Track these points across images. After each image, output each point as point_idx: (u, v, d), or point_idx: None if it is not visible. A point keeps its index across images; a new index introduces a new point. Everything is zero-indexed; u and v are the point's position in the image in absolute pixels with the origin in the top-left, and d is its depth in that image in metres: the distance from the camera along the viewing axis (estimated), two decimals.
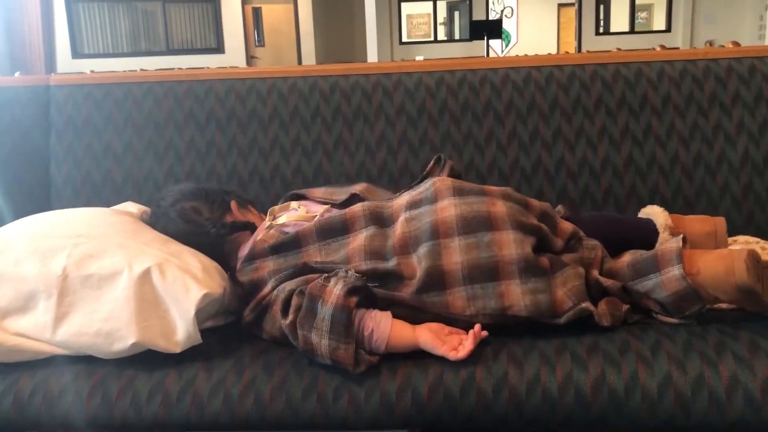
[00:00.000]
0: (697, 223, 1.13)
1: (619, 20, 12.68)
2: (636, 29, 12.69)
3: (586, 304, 0.97)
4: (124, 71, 1.55)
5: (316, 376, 0.93)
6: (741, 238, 1.26)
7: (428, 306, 0.98)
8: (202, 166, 1.40)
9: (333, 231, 1.08)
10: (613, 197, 1.33)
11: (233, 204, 1.21)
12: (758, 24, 10.85)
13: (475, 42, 10.50)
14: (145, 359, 0.96)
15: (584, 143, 1.34)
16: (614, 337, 0.95)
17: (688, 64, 1.36)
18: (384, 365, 0.93)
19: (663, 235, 1.11)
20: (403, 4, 12.66)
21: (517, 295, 0.96)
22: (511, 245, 0.98)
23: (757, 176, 1.31)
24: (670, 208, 1.30)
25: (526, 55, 2.19)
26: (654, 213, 1.17)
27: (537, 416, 0.89)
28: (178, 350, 0.96)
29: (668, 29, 12.29)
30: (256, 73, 1.44)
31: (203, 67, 1.51)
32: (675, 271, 0.96)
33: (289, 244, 1.08)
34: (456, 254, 0.98)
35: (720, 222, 1.13)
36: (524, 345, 0.95)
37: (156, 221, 1.17)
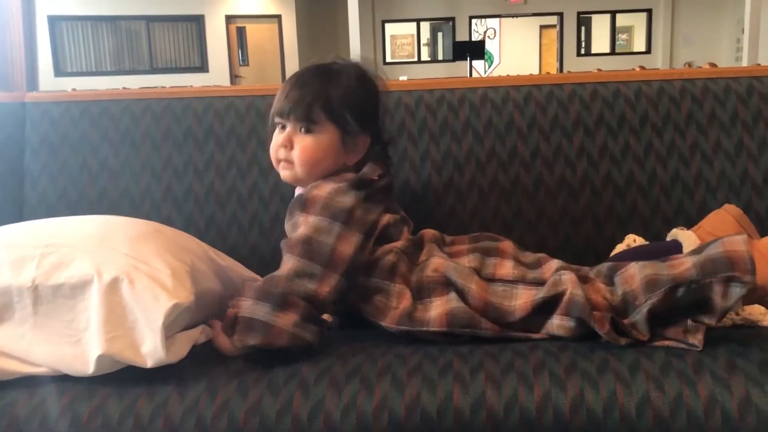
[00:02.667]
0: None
1: (600, 42, 12.89)
2: (617, 50, 12.90)
3: None
4: (103, 89, 1.54)
5: (291, 397, 0.91)
6: None
7: None
8: (180, 185, 1.38)
9: None
10: (591, 215, 1.33)
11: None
12: (735, 46, 11.06)
13: (459, 63, 10.61)
14: (117, 380, 0.94)
15: (562, 162, 1.35)
16: (593, 356, 0.94)
17: (665, 84, 1.37)
18: (361, 384, 0.91)
19: None
20: (387, 25, 12.76)
21: None
22: None
23: (733, 195, 1.32)
24: (648, 228, 1.31)
25: (507, 75, 2.21)
26: (683, 235, 1.16)
27: None
28: (148, 364, 0.93)
29: (648, 51, 12.49)
30: (235, 91, 1.44)
31: (186, 86, 1.51)
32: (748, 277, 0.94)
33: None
34: None
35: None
36: (502, 364, 0.94)
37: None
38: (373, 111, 1.19)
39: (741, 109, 1.34)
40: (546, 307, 1.01)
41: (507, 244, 1.14)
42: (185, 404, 0.92)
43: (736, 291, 0.94)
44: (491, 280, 1.06)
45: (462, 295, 1.03)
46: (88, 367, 0.93)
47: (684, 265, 0.98)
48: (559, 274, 1.03)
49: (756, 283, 0.95)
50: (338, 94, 1.13)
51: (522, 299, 1.03)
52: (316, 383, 0.93)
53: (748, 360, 0.93)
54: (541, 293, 1.02)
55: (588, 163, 1.34)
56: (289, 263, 1.04)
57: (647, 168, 1.33)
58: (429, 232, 1.17)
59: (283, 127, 1.16)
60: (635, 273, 1.01)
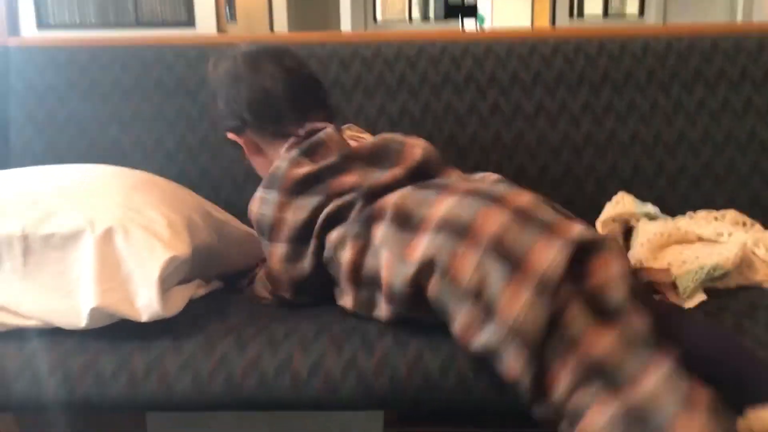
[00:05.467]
0: (661, 275, 1.01)
1: (593, 4, 12.72)
2: (609, 13, 12.75)
3: None
4: (91, 36, 1.47)
5: (291, 354, 0.89)
6: (729, 213, 1.24)
7: None
8: (171, 136, 1.34)
9: None
10: (594, 173, 1.31)
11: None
12: (729, 8, 10.95)
13: (450, 23, 10.43)
14: (110, 334, 0.91)
15: (567, 118, 1.31)
16: None
17: (650, 40, 1.33)
18: (361, 343, 0.89)
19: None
20: None
21: None
22: None
23: (740, 154, 1.29)
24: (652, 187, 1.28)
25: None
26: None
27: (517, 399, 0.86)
28: (143, 318, 0.90)
29: (641, 13, 12.36)
30: (225, 39, 1.38)
31: (177, 34, 1.45)
32: None
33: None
34: None
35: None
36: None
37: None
38: (258, 100, 1.06)
39: (728, 67, 1.31)
40: None
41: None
42: (181, 360, 0.89)
43: None
44: None
45: None
46: (81, 320, 0.90)
47: None
48: None
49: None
50: (222, 106, 1.08)
51: None
52: (316, 339, 0.91)
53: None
54: None
55: (592, 120, 1.31)
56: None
57: (629, 126, 1.30)
58: (388, 202, 0.93)
59: None
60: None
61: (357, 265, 0.91)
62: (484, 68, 1.33)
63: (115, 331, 0.91)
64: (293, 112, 1.05)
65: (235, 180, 1.31)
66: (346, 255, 0.91)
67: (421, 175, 0.96)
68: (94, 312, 0.89)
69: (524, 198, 0.88)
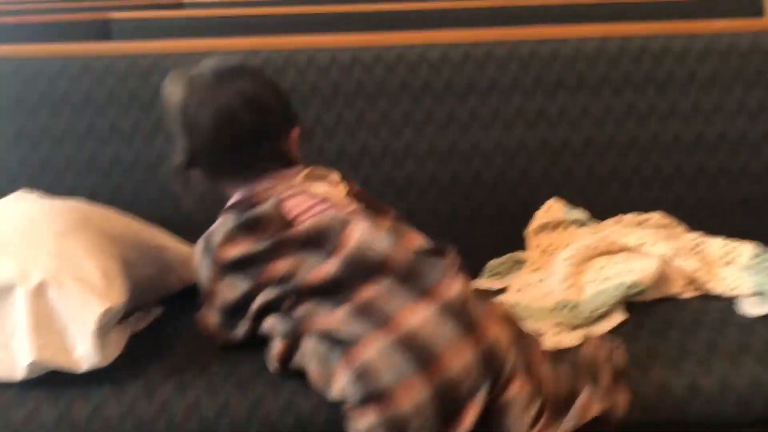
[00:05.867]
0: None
1: None
2: None
3: None
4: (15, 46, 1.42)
5: (229, 397, 0.92)
6: (655, 216, 1.30)
7: None
8: (105, 153, 1.31)
9: None
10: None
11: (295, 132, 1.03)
12: None
13: None
14: (49, 383, 0.93)
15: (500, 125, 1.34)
16: None
17: (581, 44, 1.35)
18: (299, 385, 0.92)
19: None
20: None
21: None
22: None
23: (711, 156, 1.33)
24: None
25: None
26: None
27: None
28: (82, 369, 0.92)
29: None
30: (156, 49, 1.35)
31: (103, 43, 1.40)
32: None
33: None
34: None
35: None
36: None
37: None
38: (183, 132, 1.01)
39: (677, 69, 1.34)
40: None
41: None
42: (122, 407, 0.92)
43: None
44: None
45: None
46: (18, 373, 0.92)
47: None
48: None
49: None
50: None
51: None
52: (254, 380, 0.94)
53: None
54: None
55: (525, 126, 1.33)
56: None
57: (582, 131, 1.34)
58: (317, 322, 0.90)
59: None
60: None
61: (285, 358, 0.92)
62: (419, 75, 1.33)
63: (55, 380, 0.92)
64: (249, 152, 0.99)
65: (171, 196, 1.30)
66: (276, 346, 0.93)
67: (356, 265, 0.91)
68: (32, 366, 0.91)
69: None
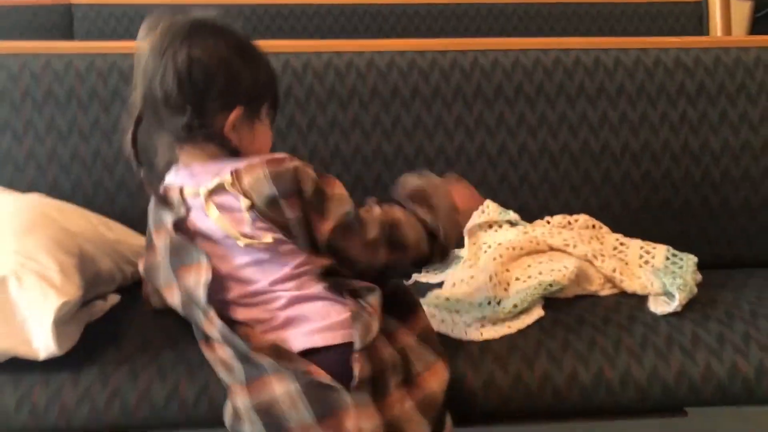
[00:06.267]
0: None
1: None
2: None
3: None
4: None
5: (178, 382, 1.01)
6: (581, 218, 1.41)
7: None
8: (65, 148, 1.37)
9: None
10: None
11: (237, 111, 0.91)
12: None
13: None
14: (11, 369, 1.00)
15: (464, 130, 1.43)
16: None
17: (520, 56, 1.44)
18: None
19: None
20: None
21: None
22: None
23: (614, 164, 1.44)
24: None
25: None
26: None
27: None
28: (41, 358, 0.99)
29: None
30: (117, 48, 1.41)
31: (66, 42, 1.43)
32: None
33: None
34: None
35: None
36: None
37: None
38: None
39: (626, 81, 1.45)
40: None
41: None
42: (78, 393, 0.99)
43: None
44: None
45: None
46: None
47: None
48: None
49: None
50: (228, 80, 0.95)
51: None
52: (201, 366, 1.02)
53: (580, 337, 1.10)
54: None
55: (465, 134, 1.43)
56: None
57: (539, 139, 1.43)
58: None
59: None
60: None
61: None
62: (367, 83, 1.41)
63: (16, 366, 1.00)
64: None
65: (129, 191, 1.37)
66: None
67: None
68: None
69: None
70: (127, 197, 1.38)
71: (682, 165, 1.44)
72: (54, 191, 1.33)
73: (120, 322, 1.15)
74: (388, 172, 1.41)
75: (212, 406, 1.00)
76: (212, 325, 0.90)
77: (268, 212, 0.88)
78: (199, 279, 0.89)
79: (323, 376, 0.85)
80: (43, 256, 1.03)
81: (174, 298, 0.95)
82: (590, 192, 1.44)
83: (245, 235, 0.89)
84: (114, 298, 1.21)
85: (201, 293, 0.89)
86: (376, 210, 0.95)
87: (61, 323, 1.00)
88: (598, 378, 1.05)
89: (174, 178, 0.95)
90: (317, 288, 0.91)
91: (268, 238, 0.89)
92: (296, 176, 0.88)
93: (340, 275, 0.92)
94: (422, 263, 1.01)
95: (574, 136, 1.43)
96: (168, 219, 0.93)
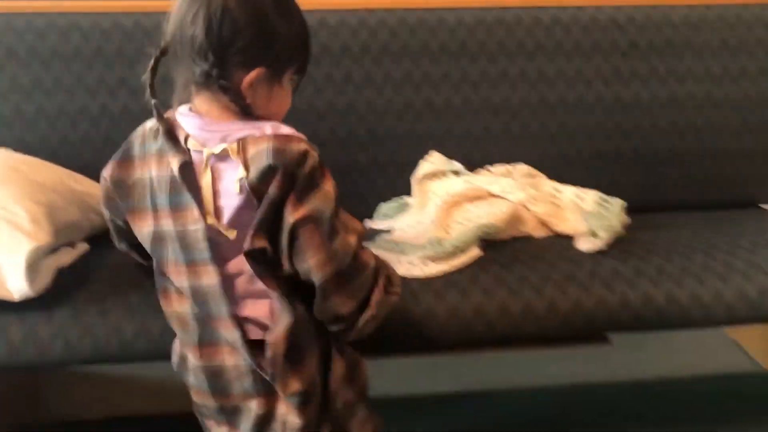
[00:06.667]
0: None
1: None
2: None
3: None
4: None
5: (145, 319, 1.10)
6: (520, 166, 1.52)
7: None
8: (30, 105, 1.43)
9: None
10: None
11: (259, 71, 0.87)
12: None
13: None
14: None
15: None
16: None
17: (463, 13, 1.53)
18: None
19: None
20: None
21: None
22: None
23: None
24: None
25: None
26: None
27: None
28: (15, 298, 1.08)
29: None
30: (75, 8, 1.46)
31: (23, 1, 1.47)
32: None
33: None
34: None
35: None
36: None
37: None
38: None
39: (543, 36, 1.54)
40: None
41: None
42: (52, 329, 1.09)
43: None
44: None
45: None
46: None
47: None
48: None
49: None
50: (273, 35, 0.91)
51: None
52: None
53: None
54: None
55: (412, 89, 1.52)
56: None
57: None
58: None
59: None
60: None
61: None
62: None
63: None
64: None
65: (94, 146, 1.44)
66: None
67: None
68: None
69: None
70: (92, 152, 1.45)
71: (614, 117, 1.55)
72: (21, 147, 1.39)
73: (89, 267, 1.24)
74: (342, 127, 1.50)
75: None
76: (198, 277, 0.89)
77: (256, 183, 0.84)
78: (197, 226, 0.87)
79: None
80: (13, 206, 1.11)
81: (144, 230, 0.93)
82: (529, 143, 1.55)
83: (216, 216, 0.87)
84: (83, 246, 1.30)
85: (200, 237, 0.87)
86: (357, 241, 0.91)
87: (33, 267, 1.08)
88: (527, 309, 1.17)
89: (182, 120, 0.90)
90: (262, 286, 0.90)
91: (232, 233, 0.87)
92: (298, 158, 0.84)
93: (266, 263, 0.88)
94: (340, 316, 0.91)
95: (514, 91, 1.53)
96: (172, 155, 0.88)
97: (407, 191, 1.50)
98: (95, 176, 1.37)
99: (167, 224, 0.90)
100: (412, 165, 1.49)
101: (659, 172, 1.58)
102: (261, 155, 0.84)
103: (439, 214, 1.34)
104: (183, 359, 0.97)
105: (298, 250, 0.86)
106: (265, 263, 0.87)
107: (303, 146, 0.85)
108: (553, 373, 1.63)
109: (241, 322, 0.90)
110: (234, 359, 0.91)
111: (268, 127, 0.87)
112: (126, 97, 1.46)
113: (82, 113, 1.44)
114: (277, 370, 0.89)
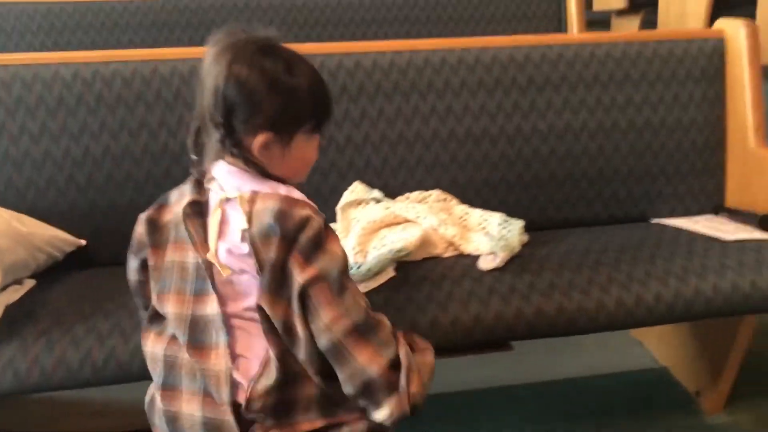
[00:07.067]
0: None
1: None
2: None
3: None
4: None
5: (90, 349, 1.22)
6: (435, 192, 1.68)
7: None
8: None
9: None
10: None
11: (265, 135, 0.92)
12: None
13: None
14: None
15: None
16: None
17: (395, 56, 1.69)
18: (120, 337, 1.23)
19: None
20: None
21: None
22: None
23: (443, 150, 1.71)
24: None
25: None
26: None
27: None
28: None
29: None
30: (38, 59, 1.56)
31: None
32: None
33: None
34: None
35: None
36: None
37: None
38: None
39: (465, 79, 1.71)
40: None
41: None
42: (2, 362, 1.19)
43: None
44: None
45: None
46: None
47: None
48: None
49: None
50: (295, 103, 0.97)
51: None
52: (110, 334, 1.24)
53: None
54: None
55: (351, 126, 1.67)
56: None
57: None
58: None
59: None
60: None
61: None
62: None
63: None
64: None
65: (38, 187, 1.55)
66: None
67: None
68: None
69: None
70: (35, 193, 1.55)
71: (516, 146, 1.73)
72: None
73: (36, 302, 1.35)
74: None
75: (120, 367, 1.22)
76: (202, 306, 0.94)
77: (256, 241, 0.88)
78: (197, 259, 0.94)
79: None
80: None
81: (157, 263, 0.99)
82: (441, 171, 1.71)
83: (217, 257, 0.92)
84: (30, 283, 1.41)
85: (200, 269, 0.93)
86: (366, 304, 0.95)
87: None
88: (434, 324, 1.32)
89: (215, 167, 0.97)
90: (257, 340, 0.92)
91: (226, 271, 0.91)
92: (301, 224, 0.87)
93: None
94: (372, 380, 0.90)
95: (426, 125, 1.69)
96: (188, 195, 0.97)
97: (332, 219, 1.64)
98: (38, 216, 1.50)
99: (178, 256, 0.97)
100: (337, 195, 1.64)
101: (559, 194, 1.76)
102: (265, 212, 0.88)
103: (359, 239, 1.49)
104: (152, 400, 1.01)
105: (311, 309, 0.88)
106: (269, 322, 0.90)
107: (306, 212, 0.89)
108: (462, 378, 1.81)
109: (234, 356, 0.93)
110: (190, 408, 0.94)
111: (282, 189, 0.93)
112: (87, 142, 1.56)
113: (24, 157, 1.54)
114: (257, 416, 0.91)
